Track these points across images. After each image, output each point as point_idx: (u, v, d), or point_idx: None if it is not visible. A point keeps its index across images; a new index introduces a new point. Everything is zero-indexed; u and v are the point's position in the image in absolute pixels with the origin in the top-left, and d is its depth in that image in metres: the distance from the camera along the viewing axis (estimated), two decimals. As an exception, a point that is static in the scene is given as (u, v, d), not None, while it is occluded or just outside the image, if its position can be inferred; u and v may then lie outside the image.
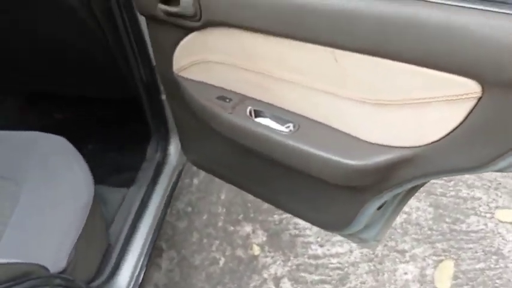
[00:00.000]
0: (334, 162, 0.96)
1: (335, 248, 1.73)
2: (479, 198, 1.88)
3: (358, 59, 0.82)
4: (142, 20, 1.29)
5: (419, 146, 0.84)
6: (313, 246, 1.74)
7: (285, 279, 1.66)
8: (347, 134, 0.95)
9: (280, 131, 1.03)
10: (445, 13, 0.69)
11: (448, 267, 1.64)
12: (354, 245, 1.73)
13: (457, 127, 0.77)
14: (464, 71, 0.71)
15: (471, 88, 0.71)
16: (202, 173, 2.06)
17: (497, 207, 1.84)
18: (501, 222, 1.79)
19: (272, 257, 1.72)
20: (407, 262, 1.67)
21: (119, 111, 1.84)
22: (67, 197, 1.15)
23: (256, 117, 1.07)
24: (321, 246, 1.74)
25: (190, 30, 1.07)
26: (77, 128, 1.84)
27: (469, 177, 1.95)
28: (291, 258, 1.71)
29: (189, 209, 1.93)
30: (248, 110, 1.07)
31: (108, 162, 1.70)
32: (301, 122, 1.01)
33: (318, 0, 0.81)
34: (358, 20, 0.78)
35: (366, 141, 0.92)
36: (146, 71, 1.41)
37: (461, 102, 0.74)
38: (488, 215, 1.81)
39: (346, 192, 1.07)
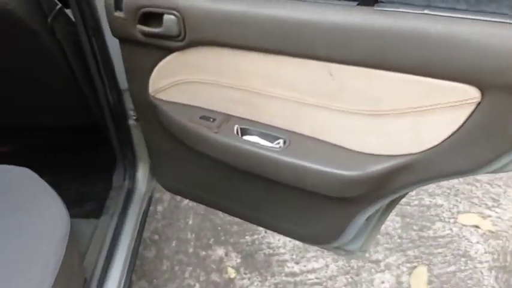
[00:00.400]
0: (330, 174, 0.96)
1: (311, 264, 1.73)
2: (441, 205, 1.96)
3: (354, 72, 0.83)
4: (112, 43, 1.25)
5: (417, 153, 0.86)
6: (289, 264, 1.73)
7: (265, 300, 1.63)
8: (341, 146, 0.96)
9: (271, 147, 1.02)
10: (444, 24, 0.72)
11: (422, 273, 1.69)
12: (329, 259, 1.74)
13: (455, 132, 0.80)
14: (464, 78, 0.73)
15: (470, 94, 0.74)
16: (166, 200, 2.00)
17: (458, 212, 1.92)
18: (464, 226, 1.87)
19: (249, 279, 1.69)
20: (382, 271, 1.70)
21: (76, 139, 1.75)
22: (43, 230, 1.07)
23: (243, 135, 1.06)
24: (297, 263, 1.73)
25: (171, 50, 1.04)
26: (31, 159, 1.73)
27: (429, 186, 2.03)
28: (268, 278, 1.69)
29: (156, 237, 1.86)
30: (235, 129, 1.05)
31: (69, 194, 1.61)
32: (292, 138, 1.01)
33: (314, 16, 0.81)
34: (356, 33, 0.79)
35: (361, 152, 0.93)
36: (113, 95, 1.36)
37: (460, 108, 0.77)
38: (451, 220, 1.89)
39: (337, 204, 1.07)
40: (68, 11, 1.37)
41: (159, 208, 1.96)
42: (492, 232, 1.84)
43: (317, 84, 0.90)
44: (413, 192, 1.97)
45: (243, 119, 1.07)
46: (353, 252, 1.26)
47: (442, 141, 0.82)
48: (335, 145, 0.96)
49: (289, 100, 0.97)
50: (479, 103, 0.75)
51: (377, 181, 0.94)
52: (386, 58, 0.79)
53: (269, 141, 1.03)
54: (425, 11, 0.74)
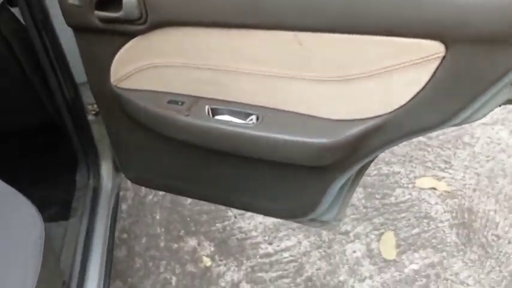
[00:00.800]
0: (305, 144, 0.98)
1: (284, 243, 1.75)
2: (399, 172, 2.04)
3: (323, 39, 0.85)
4: (63, 35, 1.20)
5: (388, 113, 0.89)
6: (262, 246, 1.75)
7: (243, 283, 1.64)
8: (314, 116, 0.98)
9: (245, 124, 1.02)
10: (408, -18, 0.75)
11: (389, 238, 1.76)
12: (301, 236, 1.77)
13: (422, 88, 0.83)
14: (429, 34, 0.77)
15: (435, 48, 0.78)
16: (130, 197, 1.96)
17: (415, 177, 2.02)
18: (422, 189, 1.96)
19: (225, 265, 1.69)
20: (353, 241, 1.75)
21: (31, 141, 1.67)
22: (17, 234, 1.02)
23: (214, 115, 1.06)
24: (270, 243, 1.75)
25: (132, 35, 1.01)
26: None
27: (385, 155, 2.11)
28: (244, 261, 1.70)
29: (125, 235, 1.82)
30: (206, 109, 1.05)
31: (31, 200, 1.54)
32: (264, 113, 1.02)
33: (279, -16, 0.82)
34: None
35: (334, 119, 0.96)
36: (70, 91, 1.31)
37: (426, 64, 0.80)
38: (410, 185, 1.98)
39: (312, 174, 1.09)
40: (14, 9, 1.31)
41: (124, 206, 1.91)
42: (448, 192, 1.94)
43: (286, 54, 0.91)
44: (372, 163, 2.04)
45: (213, 99, 1.06)
46: (328, 222, 1.29)
47: (411, 99, 0.86)
48: (308, 115, 0.98)
49: (259, 74, 0.97)
50: (444, 57, 0.78)
51: (351, 145, 0.97)
52: (353, 22, 0.81)
53: (242, 119, 1.04)
54: (389, -29, 0.76)
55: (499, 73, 0.75)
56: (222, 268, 1.68)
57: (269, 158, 1.05)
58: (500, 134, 2.22)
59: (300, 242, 1.75)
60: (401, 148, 2.16)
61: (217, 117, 1.05)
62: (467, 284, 1.61)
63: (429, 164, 2.08)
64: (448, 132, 2.23)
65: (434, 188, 1.96)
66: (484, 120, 2.32)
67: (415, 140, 2.21)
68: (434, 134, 2.23)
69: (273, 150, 1.02)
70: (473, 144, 2.18)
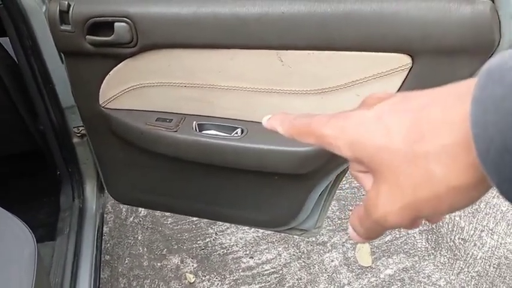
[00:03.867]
0: (288, 152, 1.06)
1: (264, 255, 1.81)
2: (369, 184, 2.14)
3: (302, 56, 0.95)
4: (50, 61, 1.25)
5: (363, 121, 0.99)
6: (244, 260, 1.80)
7: (228, 297, 1.68)
8: (295, 126, 1.06)
9: (230, 136, 1.10)
10: (377, 3, 0.85)
11: (364, 246, 1.84)
12: (280, 248, 1.84)
13: (394, 97, 0.93)
14: (397, 48, 0.87)
15: (403, 61, 0.88)
16: (111, 220, 1.98)
17: (385, 188, 2.12)
18: (392, 199, 2.07)
19: (208, 280, 1.73)
20: (330, 251, 1.83)
21: (14, 165, 1.69)
22: (11, 252, 1.05)
23: (201, 131, 1.12)
24: (251, 257, 1.81)
25: (122, 58, 1.08)
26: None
27: (355, 169, 2.21)
28: (227, 276, 1.74)
29: (107, 257, 1.83)
30: (193, 125, 1.12)
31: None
32: (248, 126, 1.10)
33: (263, 8, 0.92)
34: (302, 21, 0.90)
35: (314, 129, 1.04)
36: (56, 115, 1.35)
37: (396, 75, 0.91)
38: (380, 196, 2.08)
39: (294, 182, 1.17)
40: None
41: (105, 229, 1.93)
42: (416, 201, 2.05)
43: (268, 71, 1.00)
44: (344, 178, 2.14)
45: (199, 116, 1.13)
46: (308, 230, 1.36)
47: (383, 107, 0.96)
48: (289, 126, 1.07)
49: (242, 90, 1.05)
50: (411, 68, 0.89)
51: (330, 153, 1.05)
52: (330, 39, 0.91)
53: (227, 133, 1.11)
54: (359, -5, 0.87)
55: (460, 81, 0.86)
56: (206, 283, 1.72)
57: (254, 168, 1.12)
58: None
59: (280, 254, 1.82)
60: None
61: (204, 132, 1.12)
62: (439, 286, 1.71)
63: (397, 176, 2.20)
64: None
65: (403, 198, 2.07)
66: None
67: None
68: (399, 148, 2.36)
69: (258, 160, 1.10)
70: (436, 156, 2.32)
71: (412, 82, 0.90)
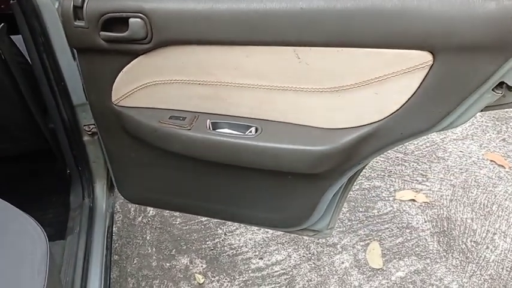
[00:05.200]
0: (303, 152, 1.04)
1: (274, 257, 1.80)
2: (379, 186, 2.13)
3: (320, 52, 0.93)
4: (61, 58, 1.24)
5: (380, 120, 0.97)
6: (253, 261, 1.78)
7: (237, 298, 1.67)
8: (311, 126, 1.05)
9: (245, 135, 1.08)
10: (399, 0, 0.84)
11: (375, 248, 1.82)
12: (290, 249, 1.82)
13: (413, 94, 0.92)
14: (418, 45, 0.86)
15: (424, 58, 0.87)
16: (119, 220, 1.97)
17: (395, 190, 2.10)
18: (402, 201, 2.05)
19: (218, 281, 1.71)
20: (340, 253, 1.81)
21: (24, 164, 1.68)
22: (24, 250, 1.04)
23: (215, 129, 1.11)
24: (261, 258, 1.79)
25: (136, 54, 1.07)
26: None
27: (365, 171, 2.20)
28: (236, 277, 1.73)
29: (116, 257, 1.82)
30: (207, 123, 1.10)
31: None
32: (263, 125, 1.08)
33: (282, 4, 0.90)
34: (321, 17, 0.89)
35: (330, 128, 1.03)
36: (68, 112, 1.34)
37: (416, 72, 0.89)
38: (390, 198, 2.06)
39: (308, 182, 1.15)
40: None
41: (113, 228, 1.92)
42: (427, 203, 2.03)
43: (285, 68, 0.98)
44: (354, 179, 2.13)
45: (213, 114, 1.12)
46: (320, 231, 1.34)
47: (402, 105, 0.94)
48: (305, 125, 1.05)
49: (257, 88, 1.04)
50: (431, 66, 0.87)
51: (346, 152, 1.04)
52: (349, 36, 0.89)
53: (241, 131, 1.10)
54: (380, -9, 0.85)
55: (481, 79, 0.84)
56: (215, 284, 1.70)
57: (268, 167, 1.11)
58: (471, 148, 2.35)
59: (289, 256, 1.80)
60: (380, 164, 2.25)
61: (217, 130, 1.11)
62: (451, 289, 1.69)
63: (407, 178, 2.18)
64: (422, 148, 2.35)
65: (413, 200, 2.05)
66: (454, 135, 2.46)
67: (392, 155, 2.31)
68: (410, 150, 2.34)
69: (272, 160, 1.08)
70: (447, 158, 2.30)
71: (433, 80, 0.89)
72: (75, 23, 1.04)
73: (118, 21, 1.02)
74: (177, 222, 1.94)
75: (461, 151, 2.33)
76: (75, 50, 1.16)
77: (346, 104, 0.98)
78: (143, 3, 0.99)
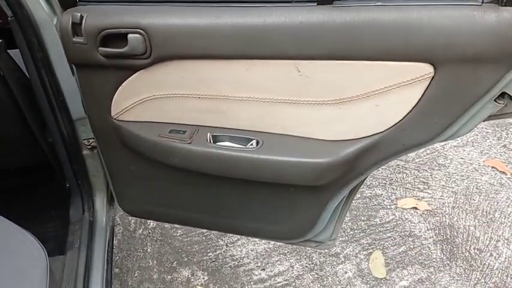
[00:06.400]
0: (304, 164, 1.04)
1: (276, 268, 1.78)
2: (381, 195, 2.12)
3: (321, 66, 0.93)
4: (60, 72, 1.24)
5: (382, 132, 0.97)
6: (256, 272, 1.77)
7: (240, 311, 1.65)
8: (312, 138, 1.04)
9: (246, 148, 1.07)
10: (398, 12, 0.83)
11: (378, 257, 1.81)
12: (292, 260, 1.81)
13: (414, 106, 0.91)
14: (419, 57, 0.85)
15: (425, 70, 0.86)
16: (120, 233, 1.96)
17: (397, 198, 2.09)
18: (404, 209, 2.04)
19: (220, 293, 1.70)
20: (343, 262, 1.80)
21: (24, 178, 1.67)
22: (24, 267, 1.03)
23: (215, 142, 1.10)
24: (263, 269, 1.78)
25: (135, 69, 1.06)
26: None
27: (367, 179, 2.18)
28: (239, 289, 1.72)
29: (117, 270, 1.81)
30: (208, 137, 1.10)
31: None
32: (264, 138, 1.07)
33: (281, 19, 0.90)
34: (320, 31, 0.88)
35: (332, 140, 1.02)
36: (67, 127, 1.33)
37: (417, 84, 0.88)
38: (392, 206, 2.05)
39: (310, 194, 1.14)
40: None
41: (114, 242, 1.90)
42: (429, 211, 2.02)
43: (285, 81, 0.98)
44: (355, 187, 2.12)
45: (213, 127, 1.11)
46: (323, 242, 1.33)
47: (404, 117, 0.93)
48: (306, 138, 1.05)
49: (258, 101, 1.03)
50: (433, 77, 0.87)
51: (348, 164, 1.03)
52: (349, 49, 0.89)
53: (242, 145, 1.09)
54: (379, 3, 0.85)
55: (483, 89, 0.84)
56: (218, 297, 1.69)
57: (270, 180, 1.10)
58: (471, 154, 2.34)
59: (292, 266, 1.78)
60: (381, 172, 2.24)
61: (218, 143, 1.10)
62: (456, 298, 1.68)
63: (409, 186, 2.17)
64: (423, 156, 2.34)
65: (415, 208, 2.04)
66: (455, 142, 2.45)
67: (393, 163, 2.30)
68: (411, 157, 2.33)
69: (274, 172, 1.08)
70: (448, 165, 2.29)
71: (434, 91, 0.88)
72: (74, 39, 1.04)
73: (117, 37, 1.02)
74: (178, 234, 1.93)
75: (462, 158, 2.32)
76: (73, 66, 1.15)
77: (347, 116, 0.98)
78: (142, 19, 0.99)
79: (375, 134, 0.98)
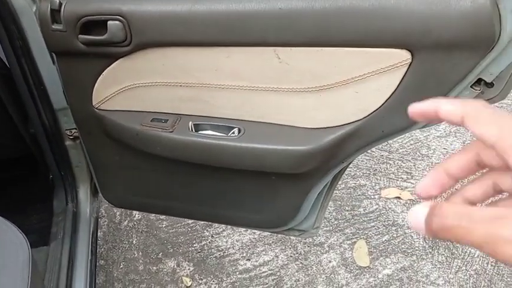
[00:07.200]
0: (285, 151, 1.04)
1: (261, 257, 1.79)
2: (365, 185, 2.14)
3: (301, 52, 0.93)
4: (41, 61, 1.23)
5: (362, 119, 0.97)
6: (241, 262, 1.78)
7: (225, 300, 1.66)
8: (293, 126, 1.04)
9: (228, 136, 1.08)
10: (376, -3, 0.84)
11: (362, 246, 1.83)
12: (277, 250, 1.82)
13: (393, 93, 0.92)
14: (396, 43, 0.86)
15: (403, 56, 0.87)
16: (105, 224, 1.95)
17: (380, 188, 2.12)
18: (388, 199, 2.06)
19: (206, 283, 1.71)
20: (327, 252, 1.82)
21: (6, 169, 1.66)
22: (6, 256, 1.02)
23: (197, 131, 1.11)
24: (248, 259, 1.79)
25: (115, 57, 1.06)
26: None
27: (350, 170, 2.21)
28: (224, 279, 1.72)
29: (102, 262, 1.81)
30: (189, 125, 1.10)
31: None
32: (245, 126, 1.08)
33: (260, 4, 0.90)
34: (299, 17, 0.89)
35: (312, 128, 1.03)
36: (48, 117, 1.33)
37: (395, 71, 0.89)
38: (376, 196, 2.08)
39: (292, 182, 1.15)
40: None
41: (99, 233, 1.90)
42: (412, 200, 2.05)
43: (265, 69, 0.98)
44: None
45: (195, 115, 1.11)
46: (306, 231, 1.34)
47: (383, 104, 0.94)
48: (287, 125, 1.05)
49: (239, 89, 1.03)
50: (410, 64, 0.88)
51: (329, 151, 1.04)
52: (328, 36, 0.89)
53: (224, 133, 1.09)
54: (357, -10, 0.86)
55: (459, 75, 0.85)
56: (203, 287, 1.70)
57: (251, 168, 1.10)
58: (454, 145, 2.38)
59: (277, 256, 1.80)
60: (365, 162, 2.26)
61: (200, 132, 1.10)
62: (438, 284, 1.70)
63: (392, 176, 2.19)
64: (406, 146, 2.36)
65: (399, 198, 2.07)
66: (438, 133, 2.48)
67: (377, 154, 2.33)
68: (394, 148, 2.36)
69: (255, 160, 1.08)
70: (431, 155, 2.32)
71: (412, 78, 0.89)
72: (53, 27, 1.03)
73: (96, 24, 1.01)
74: (164, 226, 1.93)
75: (444, 148, 2.35)
76: (54, 54, 1.15)
77: (328, 103, 0.99)
78: (121, 6, 0.98)
79: (355, 121, 0.99)
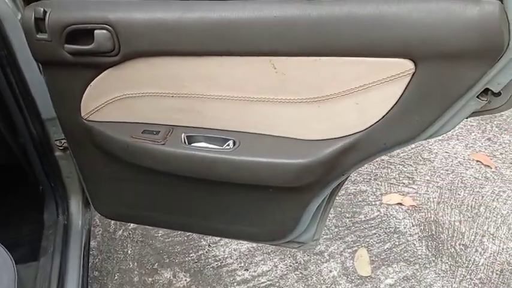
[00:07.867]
0: (283, 165, 1.00)
1: (260, 268, 1.75)
2: (365, 191, 2.09)
3: (297, 62, 0.88)
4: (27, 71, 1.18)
5: (362, 131, 0.93)
6: (239, 272, 1.73)
7: (223, 313, 1.62)
8: (290, 137, 1.00)
9: (222, 149, 1.03)
10: (374, 5, 0.79)
11: (363, 255, 1.78)
12: (276, 259, 1.77)
13: (395, 104, 0.87)
14: (398, 53, 0.81)
15: (406, 66, 0.82)
16: (99, 234, 1.91)
17: (381, 194, 2.07)
18: (389, 205, 2.01)
19: (202, 295, 1.66)
20: (328, 261, 1.77)
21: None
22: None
23: (190, 143, 1.06)
24: (246, 270, 1.74)
25: (103, 67, 1.01)
26: None
27: (351, 175, 2.15)
28: (221, 290, 1.68)
29: (96, 273, 1.76)
30: (182, 137, 1.05)
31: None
32: (241, 138, 1.03)
33: (254, 13, 0.85)
34: (295, 26, 0.84)
35: (311, 140, 0.98)
36: (37, 127, 1.28)
37: (397, 81, 0.84)
38: (377, 202, 2.03)
39: (290, 195, 1.10)
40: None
41: (93, 243, 1.86)
42: (414, 206, 2.00)
43: (261, 79, 0.93)
44: (340, 183, 2.09)
45: (188, 127, 1.07)
46: (306, 243, 1.30)
47: (385, 115, 0.89)
48: (284, 137, 1.00)
49: (233, 100, 0.99)
50: (413, 74, 0.83)
51: (328, 164, 0.99)
52: (326, 44, 0.85)
53: (218, 145, 1.05)
54: (355, -4, 0.81)
55: (465, 86, 0.80)
56: (200, 299, 1.65)
57: (248, 182, 1.06)
58: (456, 148, 2.33)
59: (276, 266, 1.75)
60: (366, 167, 2.21)
61: (193, 144, 1.05)
62: (441, 295, 1.66)
63: (393, 181, 2.15)
64: (408, 150, 2.31)
65: (400, 204, 2.02)
66: (440, 136, 2.43)
67: (378, 158, 2.27)
68: (395, 152, 2.30)
69: (252, 174, 1.03)
70: (433, 159, 2.27)
71: (416, 88, 0.85)
72: (38, 36, 0.99)
73: (83, 33, 0.96)
74: (159, 235, 1.88)
75: (446, 152, 2.30)
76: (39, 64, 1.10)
77: (326, 114, 0.94)
78: (108, 14, 0.93)
79: (355, 133, 0.94)
